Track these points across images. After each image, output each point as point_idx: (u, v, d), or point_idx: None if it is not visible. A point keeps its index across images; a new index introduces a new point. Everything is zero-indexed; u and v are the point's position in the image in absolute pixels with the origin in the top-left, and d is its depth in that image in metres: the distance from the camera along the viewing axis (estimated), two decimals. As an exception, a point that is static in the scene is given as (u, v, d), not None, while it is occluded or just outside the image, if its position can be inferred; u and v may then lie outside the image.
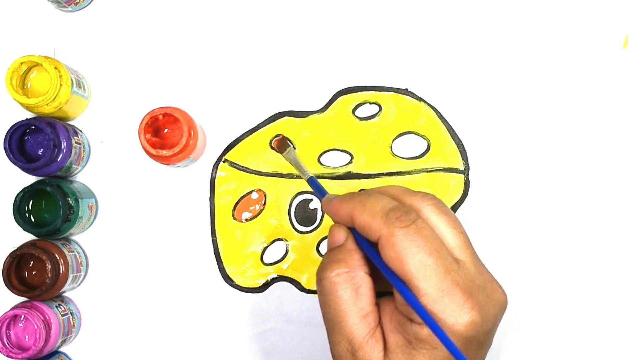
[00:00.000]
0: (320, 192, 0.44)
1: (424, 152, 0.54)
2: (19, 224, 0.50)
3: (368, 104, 0.55)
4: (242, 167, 0.55)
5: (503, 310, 0.38)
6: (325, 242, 0.54)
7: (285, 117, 0.55)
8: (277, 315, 0.54)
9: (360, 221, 0.37)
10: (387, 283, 0.37)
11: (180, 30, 0.55)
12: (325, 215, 0.54)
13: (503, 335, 0.53)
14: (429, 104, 0.55)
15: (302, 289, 0.54)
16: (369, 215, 0.36)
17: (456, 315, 0.34)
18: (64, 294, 0.54)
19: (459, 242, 0.38)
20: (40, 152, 0.52)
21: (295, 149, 0.53)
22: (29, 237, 0.52)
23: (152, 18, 0.55)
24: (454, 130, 0.54)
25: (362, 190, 0.45)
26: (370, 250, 0.37)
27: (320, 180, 0.54)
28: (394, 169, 0.54)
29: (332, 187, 0.54)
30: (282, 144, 0.53)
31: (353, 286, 0.37)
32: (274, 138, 0.54)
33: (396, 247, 0.35)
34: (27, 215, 0.51)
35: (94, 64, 0.55)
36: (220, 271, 0.54)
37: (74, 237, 0.55)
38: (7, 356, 0.49)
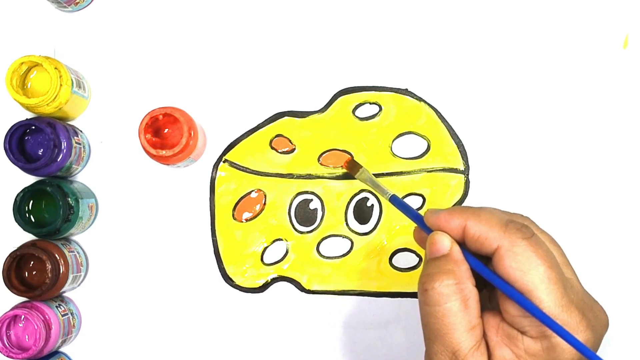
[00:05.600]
0: (405, 208, 0.43)
1: (424, 152, 0.54)
2: (19, 224, 0.50)
3: (368, 104, 0.55)
4: (242, 167, 0.55)
5: (606, 330, 0.37)
6: (325, 242, 0.54)
7: (285, 117, 0.55)
8: (277, 316, 0.54)
9: (476, 231, 0.36)
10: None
11: (180, 31, 0.55)
12: (326, 215, 0.54)
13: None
14: (429, 104, 0.55)
15: (302, 289, 0.54)
16: (487, 225, 0.36)
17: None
18: (64, 294, 0.54)
19: (564, 260, 0.37)
20: (40, 152, 0.52)
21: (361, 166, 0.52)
22: (29, 237, 0.52)
23: (152, 18, 0.55)
24: (454, 130, 0.54)
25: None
26: (479, 262, 0.37)
27: (320, 180, 0.54)
28: (394, 169, 0.54)
29: (333, 187, 0.54)
30: (353, 166, 0.52)
31: (462, 298, 0.36)
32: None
33: (519, 256, 0.34)
34: (27, 215, 0.51)
35: (94, 64, 0.55)
36: (220, 271, 0.54)
37: (74, 237, 0.55)
38: (7, 356, 0.49)
